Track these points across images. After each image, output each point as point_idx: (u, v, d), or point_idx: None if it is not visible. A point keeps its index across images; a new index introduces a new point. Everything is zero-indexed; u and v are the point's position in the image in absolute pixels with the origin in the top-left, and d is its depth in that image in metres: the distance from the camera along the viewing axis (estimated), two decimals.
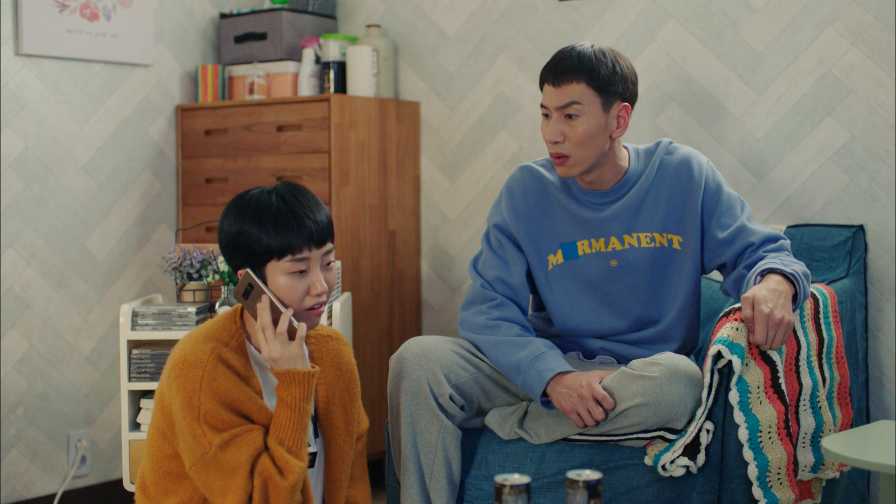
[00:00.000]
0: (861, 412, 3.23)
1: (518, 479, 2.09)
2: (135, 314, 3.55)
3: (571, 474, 2.14)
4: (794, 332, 2.79)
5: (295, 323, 2.22)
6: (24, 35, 3.83)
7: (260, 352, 2.28)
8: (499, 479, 2.09)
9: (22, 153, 3.87)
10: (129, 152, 4.19)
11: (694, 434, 2.67)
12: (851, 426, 3.01)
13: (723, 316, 2.73)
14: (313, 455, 2.35)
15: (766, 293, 2.59)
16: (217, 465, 2.17)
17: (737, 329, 2.64)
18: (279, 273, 2.23)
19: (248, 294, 2.23)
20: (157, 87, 4.29)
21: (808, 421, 2.78)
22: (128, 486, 3.58)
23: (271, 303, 2.22)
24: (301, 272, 2.23)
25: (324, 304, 2.28)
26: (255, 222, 2.22)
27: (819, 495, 2.82)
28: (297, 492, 2.20)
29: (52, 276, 3.96)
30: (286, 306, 2.22)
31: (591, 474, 2.13)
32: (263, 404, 2.24)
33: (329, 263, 2.29)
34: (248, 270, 2.23)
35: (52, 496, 3.94)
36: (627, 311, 2.92)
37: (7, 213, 3.83)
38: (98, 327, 4.10)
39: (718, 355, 2.63)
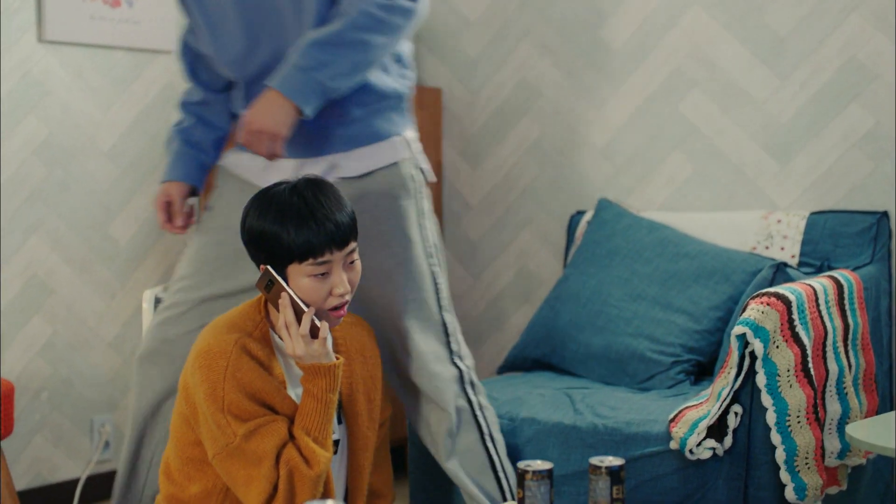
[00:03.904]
0: (885, 399, 3.22)
1: (541, 465, 2.09)
2: (157, 300, 3.56)
3: (594, 460, 2.14)
4: (821, 317, 2.78)
5: (317, 322, 2.21)
6: (47, 22, 3.84)
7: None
8: (521, 465, 2.09)
9: (45, 139, 3.88)
10: (151, 139, 4.19)
11: (717, 415, 2.67)
12: (877, 413, 3.00)
13: (752, 297, 2.71)
14: (336, 442, 2.35)
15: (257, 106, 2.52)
16: (242, 454, 2.17)
17: (763, 312, 2.63)
18: (301, 275, 2.21)
19: (270, 288, 2.22)
20: (179, 73, 4.28)
21: (834, 407, 2.77)
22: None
23: (292, 301, 2.21)
24: (323, 274, 2.22)
25: (347, 302, 2.27)
26: (276, 224, 2.21)
27: (845, 482, 2.81)
28: (321, 482, 2.20)
29: (75, 262, 3.97)
30: (308, 305, 2.22)
31: (613, 460, 2.13)
32: (287, 394, 2.24)
33: (352, 262, 2.27)
34: (269, 268, 2.22)
35: (76, 481, 3.96)
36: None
37: (31, 200, 3.84)
38: (121, 313, 4.11)
39: (744, 338, 2.62)
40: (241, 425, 2.17)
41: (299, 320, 2.20)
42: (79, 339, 3.99)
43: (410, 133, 2.78)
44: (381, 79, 2.70)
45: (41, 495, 3.86)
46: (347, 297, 2.26)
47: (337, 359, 2.24)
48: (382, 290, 2.63)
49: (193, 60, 2.91)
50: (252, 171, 2.75)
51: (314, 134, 2.65)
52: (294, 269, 2.22)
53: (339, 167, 2.66)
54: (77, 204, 3.98)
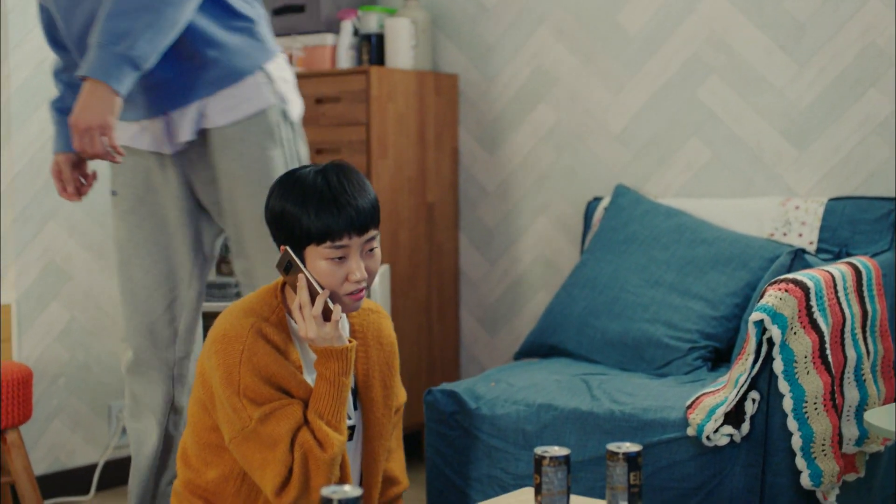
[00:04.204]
0: None
1: (558, 451, 2.09)
2: None
3: (612, 446, 2.13)
4: (839, 303, 2.77)
5: (331, 304, 2.21)
6: None
7: None
8: (539, 450, 2.09)
9: None
10: None
11: (734, 402, 2.66)
12: (895, 400, 2.99)
13: (771, 283, 2.71)
14: (352, 428, 2.35)
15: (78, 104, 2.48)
16: (257, 438, 2.17)
17: (781, 298, 2.62)
18: (318, 257, 2.21)
19: (289, 269, 2.23)
20: None
21: (852, 394, 2.76)
22: None
23: (308, 282, 2.21)
24: (340, 258, 2.22)
25: (363, 289, 2.26)
26: (297, 205, 2.21)
27: (863, 469, 2.80)
28: (336, 465, 2.20)
29: (92, 247, 3.98)
30: (323, 288, 2.22)
31: (631, 447, 2.13)
32: (303, 379, 2.24)
33: (371, 250, 2.27)
34: (287, 248, 2.23)
35: (94, 466, 3.98)
36: None
37: (48, 186, 3.85)
38: None
39: (762, 324, 2.61)
40: (257, 409, 2.17)
41: (314, 303, 2.21)
42: (96, 325, 4.00)
43: (273, 63, 2.75)
44: (220, 19, 2.67)
45: (59, 480, 3.88)
46: (364, 284, 2.25)
47: (350, 342, 2.24)
48: (256, 235, 2.68)
49: (49, 22, 2.82)
50: (129, 135, 2.76)
51: (176, 85, 2.65)
52: (312, 252, 2.22)
53: (207, 116, 2.68)
54: (93, 190, 3.98)
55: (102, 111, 2.46)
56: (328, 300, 2.21)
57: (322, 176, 2.22)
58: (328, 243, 2.20)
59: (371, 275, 2.27)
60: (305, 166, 2.28)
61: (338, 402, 2.20)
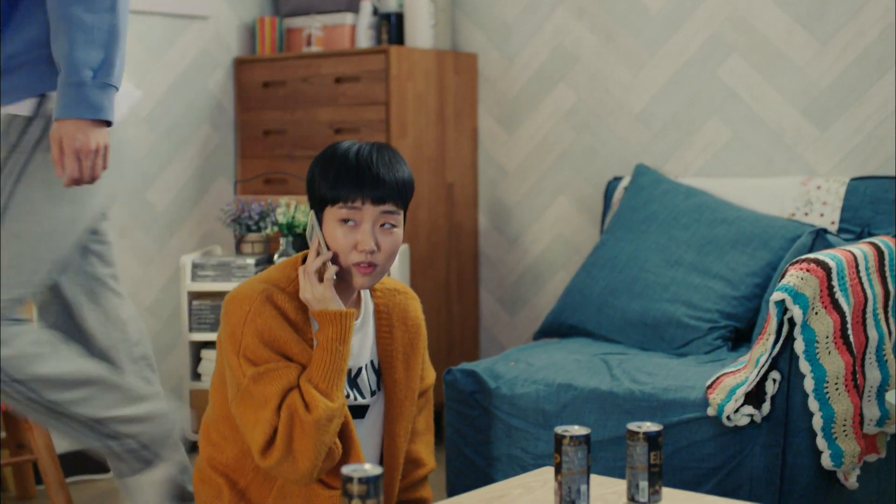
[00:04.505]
0: None
1: (578, 430, 2.09)
2: (195, 265, 3.58)
3: (632, 426, 2.13)
4: (861, 283, 2.75)
5: (330, 265, 2.22)
6: None
7: None
8: (559, 430, 2.09)
9: None
10: (187, 105, 4.20)
11: (755, 382, 2.66)
12: None
13: (792, 263, 2.69)
14: (364, 408, 2.34)
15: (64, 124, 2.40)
16: (249, 398, 2.18)
17: (802, 278, 2.61)
18: (333, 219, 2.24)
19: (311, 234, 2.27)
20: (214, 39, 4.29)
21: (873, 374, 2.75)
22: (189, 436, 3.62)
23: (318, 245, 2.24)
24: (351, 223, 2.23)
25: (373, 265, 2.25)
26: (322, 167, 2.25)
27: (884, 449, 2.79)
28: (323, 431, 2.16)
29: (113, 227, 3.97)
30: (329, 250, 2.24)
31: (651, 426, 2.13)
32: (307, 348, 2.24)
33: (386, 226, 2.26)
34: (313, 212, 2.26)
35: None
36: None
37: None
38: (158, 278, 4.13)
39: (783, 304, 2.60)
40: (252, 368, 2.18)
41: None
42: None
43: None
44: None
45: (81, 458, 3.90)
46: (372, 258, 2.25)
47: (348, 311, 2.23)
48: None
49: None
50: None
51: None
52: (329, 213, 2.25)
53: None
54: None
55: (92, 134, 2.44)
56: (329, 263, 2.23)
57: (357, 147, 2.26)
58: (340, 204, 2.22)
59: (385, 253, 2.26)
60: (347, 141, 2.32)
61: (331, 369, 2.19)
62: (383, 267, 2.28)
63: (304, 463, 2.15)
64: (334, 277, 2.22)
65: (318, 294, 2.21)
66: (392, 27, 4.20)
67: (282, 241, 3.54)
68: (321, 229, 2.26)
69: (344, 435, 2.25)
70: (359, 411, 2.33)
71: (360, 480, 1.74)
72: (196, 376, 3.63)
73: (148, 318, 4.10)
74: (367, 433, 2.36)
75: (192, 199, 4.23)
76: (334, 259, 2.24)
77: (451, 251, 4.25)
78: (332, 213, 2.24)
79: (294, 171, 4.18)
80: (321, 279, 2.22)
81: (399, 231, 2.29)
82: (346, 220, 2.23)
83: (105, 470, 3.96)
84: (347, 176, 2.23)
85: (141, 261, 4.07)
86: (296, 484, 2.20)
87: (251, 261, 3.56)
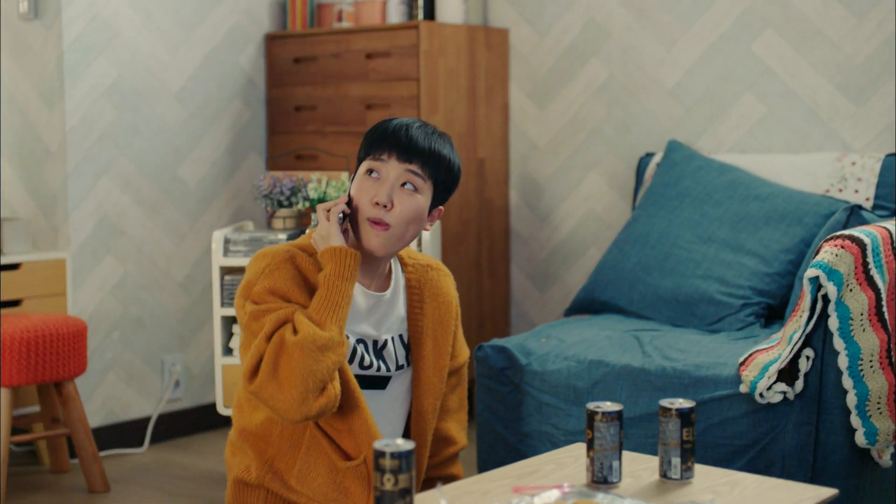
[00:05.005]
0: None
1: (610, 406, 2.08)
2: (227, 241, 3.59)
3: (664, 402, 2.12)
4: None
5: (339, 208, 2.28)
6: None
7: None
8: (591, 406, 2.08)
9: (115, 82, 3.91)
10: (219, 81, 4.21)
11: (788, 359, 2.64)
12: None
13: (826, 240, 2.67)
14: (386, 378, 2.33)
15: None
16: (249, 332, 2.21)
17: (837, 255, 2.59)
18: (362, 170, 2.30)
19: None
20: (246, 14, 4.29)
21: None
22: (221, 411, 3.64)
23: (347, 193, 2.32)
24: (375, 175, 2.26)
25: (386, 225, 2.25)
26: (370, 131, 2.33)
27: None
28: (310, 357, 2.12)
29: (146, 203, 4.01)
30: (350, 202, 2.29)
31: (684, 403, 2.12)
32: None
33: (408, 186, 2.27)
34: (318, 207, 2.31)
35: (148, 419, 4.02)
36: None
37: (101, 142, 3.87)
38: (190, 254, 4.15)
39: (817, 280, 2.58)
40: (253, 306, 2.20)
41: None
42: (149, 280, 4.04)
43: None
44: None
45: (114, 432, 3.93)
46: (385, 216, 2.25)
47: (352, 251, 2.25)
48: None
49: None
50: None
51: None
52: (362, 166, 2.29)
53: None
54: (146, 146, 4.01)
55: None
56: (345, 206, 2.26)
57: (408, 120, 2.32)
58: (371, 157, 2.26)
59: (399, 216, 2.26)
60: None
61: (326, 302, 2.20)
62: (397, 232, 2.27)
63: (289, 390, 2.12)
64: (341, 216, 2.26)
65: (322, 231, 2.26)
66: (424, 2, 4.19)
67: (313, 216, 3.54)
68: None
69: (347, 392, 2.24)
70: (379, 381, 2.33)
71: (393, 455, 1.74)
72: (228, 351, 3.64)
73: (180, 294, 4.12)
74: (389, 406, 2.36)
75: (224, 175, 4.24)
76: (352, 216, 2.27)
77: (482, 227, 4.25)
78: (364, 165, 2.29)
79: (325, 146, 4.18)
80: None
81: (420, 198, 2.28)
82: (370, 172, 2.27)
83: (138, 444, 3.99)
84: (385, 134, 2.29)
85: (173, 237, 4.09)
86: (285, 420, 2.15)
87: (283, 236, 3.57)
